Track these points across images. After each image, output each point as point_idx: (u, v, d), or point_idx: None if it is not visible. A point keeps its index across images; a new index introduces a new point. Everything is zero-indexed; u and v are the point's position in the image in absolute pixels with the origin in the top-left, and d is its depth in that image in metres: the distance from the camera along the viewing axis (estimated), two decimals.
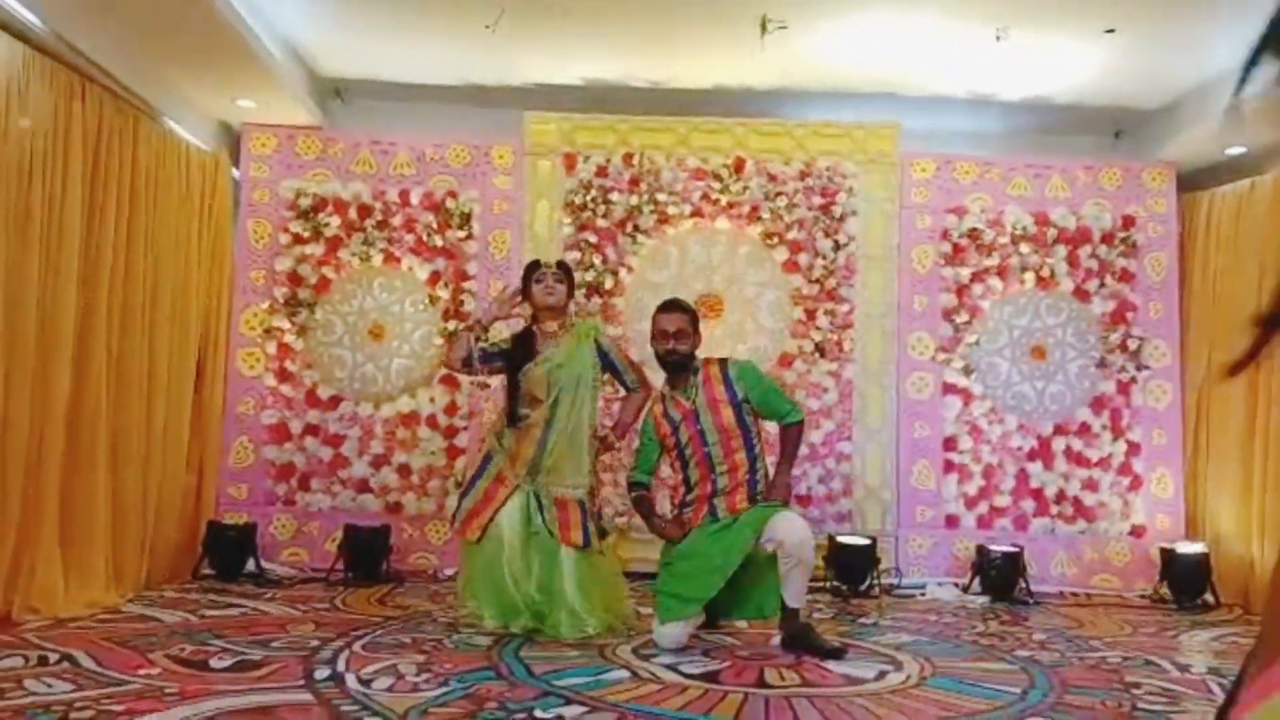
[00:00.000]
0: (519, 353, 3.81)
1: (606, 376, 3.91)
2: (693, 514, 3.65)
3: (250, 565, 4.74)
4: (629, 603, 3.90)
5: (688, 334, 3.67)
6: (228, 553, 4.69)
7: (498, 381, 4.13)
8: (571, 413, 3.72)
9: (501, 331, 4.16)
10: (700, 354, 3.76)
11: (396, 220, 5.15)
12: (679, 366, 3.67)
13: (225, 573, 4.65)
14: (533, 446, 3.71)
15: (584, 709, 2.68)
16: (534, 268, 3.90)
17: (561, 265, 3.96)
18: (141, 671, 2.89)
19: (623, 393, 4.04)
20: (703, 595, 3.50)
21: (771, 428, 4.00)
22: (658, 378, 3.89)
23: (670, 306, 3.76)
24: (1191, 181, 5.40)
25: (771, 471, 3.69)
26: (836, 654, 3.41)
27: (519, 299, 3.87)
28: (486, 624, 3.64)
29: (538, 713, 2.63)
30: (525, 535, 3.66)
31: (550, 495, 3.69)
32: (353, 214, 5.14)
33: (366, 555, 4.78)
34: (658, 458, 3.81)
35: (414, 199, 5.17)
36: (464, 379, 4.98)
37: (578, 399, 3.73)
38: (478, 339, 3.84)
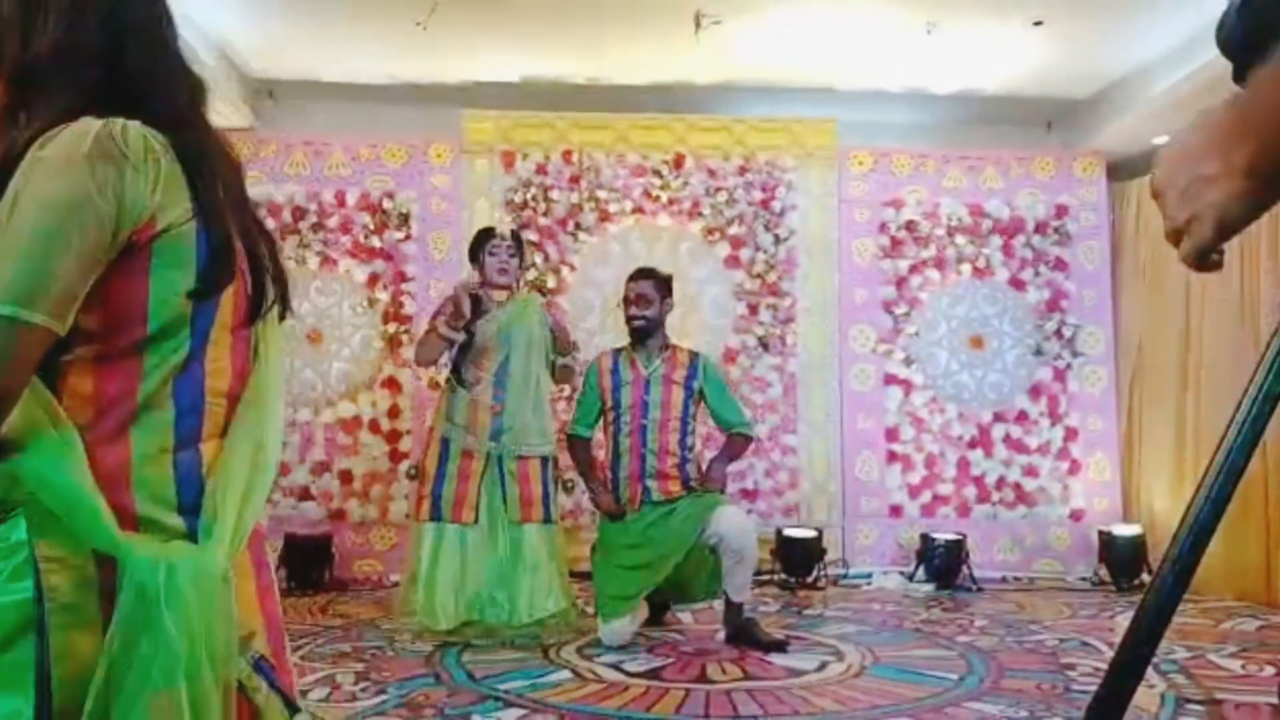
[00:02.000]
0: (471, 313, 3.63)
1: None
2: (629, 494, 3.61)
3: None
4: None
5: (649, 299, 3.68)
6: None
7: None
8: (527, 370, 3.64)
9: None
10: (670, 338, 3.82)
11: (333, 222, 5.07)
12: (644, 333, 3.69)
13: None
14: (486, 412, 3.61)
15: (523, 711, 2.67)
16: (486, 237, 3.76)
17: (515, 236, 3.85)
18: None
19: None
20: (642, 590, 3.50)
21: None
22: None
23: (635, 274, 3.80)
24: (1122, 170, 5.51)
25: (704, 467, 3.71)
26: (779, 646, 3.43)
27: (465, 315, 3.61)
28: (436, 627, 3.46)
29: (476, 717, 2.61)
30: (492, 512, 3.55)
31: (513, 456, 3.58)
32: (287, 216, 5.05)
33: (309, 564, 4.70)
34: (598, 414, 3.77)
35: (350, 200, 5.10)
36: (407, 379, 4.94)
37: (530, 356, 3.66)
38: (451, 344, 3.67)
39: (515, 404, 3.62)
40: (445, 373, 3.89)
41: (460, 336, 3.61)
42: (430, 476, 3.63)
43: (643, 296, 3.68)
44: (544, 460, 3.65)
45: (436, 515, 3.56)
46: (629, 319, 3.71)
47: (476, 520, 3.53)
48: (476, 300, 3.65)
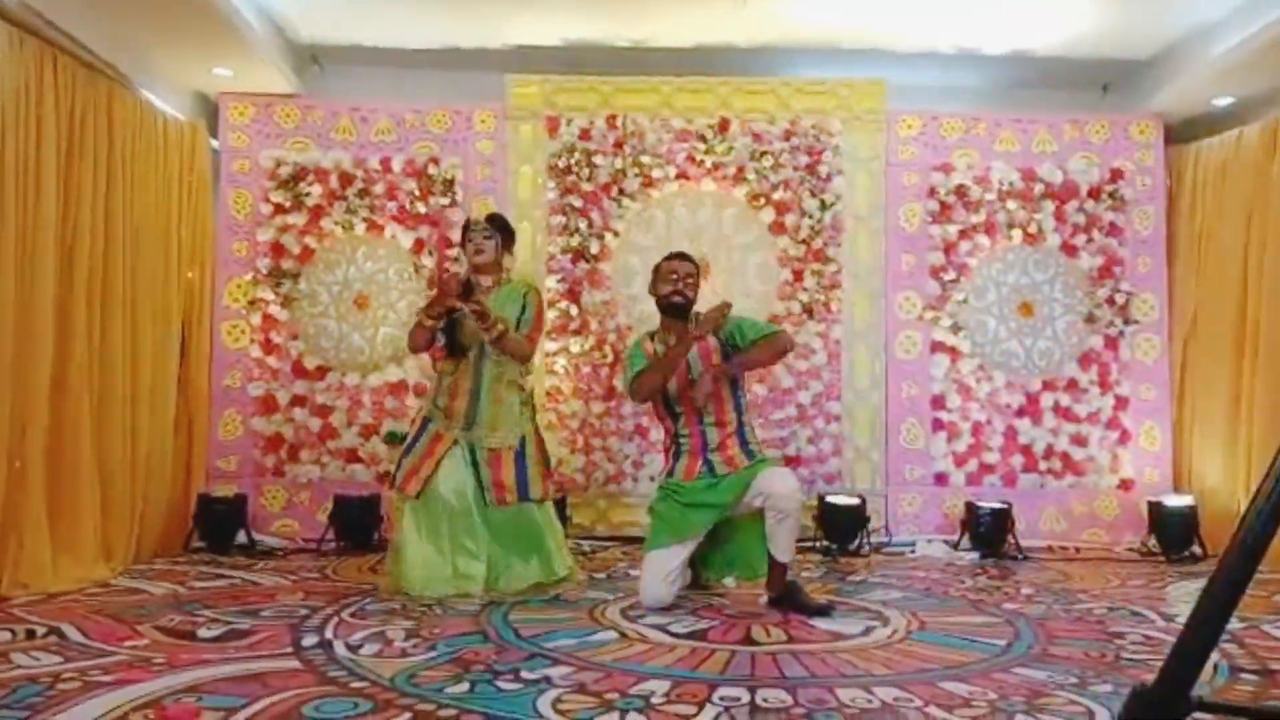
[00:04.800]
0: (461, 295, 3.71)
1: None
2: (687, 467, 3.61)
3: (241, 537, 4.74)
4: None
5: (694, 281, 3.70)
6: (218, 525, 4.70)
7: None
8: (500, 364, 3.73)
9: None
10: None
11: (378, 188, 5.10)
12: (680, 311, 3.66)
13: (216, 545, 4.65)
14: (464, 399, 3.72)
15: (570, 669, 2.70)
16: (465, 228, 3.90)
17: (493, 219, 3.90)
18: (128, 643, 2.90)
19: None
20: (691, 529, 3.53)
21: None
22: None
23: (679, 256, 3.79)
24: (1178, 133, 5.36)
25: (758, 431, 3.72)
26: (823, 611, 3.43)
27: (450, 289, 3.68)
28: (411, 592, 3.60)
29: (524, 674, 2.65)
30: (467, 494, 3.67)
31: (484, 447, 3.69)
32: (334, 182, 5.09)
33: (357, 525, 4.79)
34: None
35: (396, 166, 5.12)
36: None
37: (503, 360, 3.73)
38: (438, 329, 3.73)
39: (491, 395, 3.72)
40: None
41: (433, 324, 3.67)
42: (404, 448, 3.80)
43: (690, 276, 3.68)
44: (518, 449, 3.72)
45: (392, 483, 3.77)
46: (673, 294, 3.65)
47: (419, 496, 3.65)
48: (468, 287, 3.75)
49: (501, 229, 3.87)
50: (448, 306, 3.64)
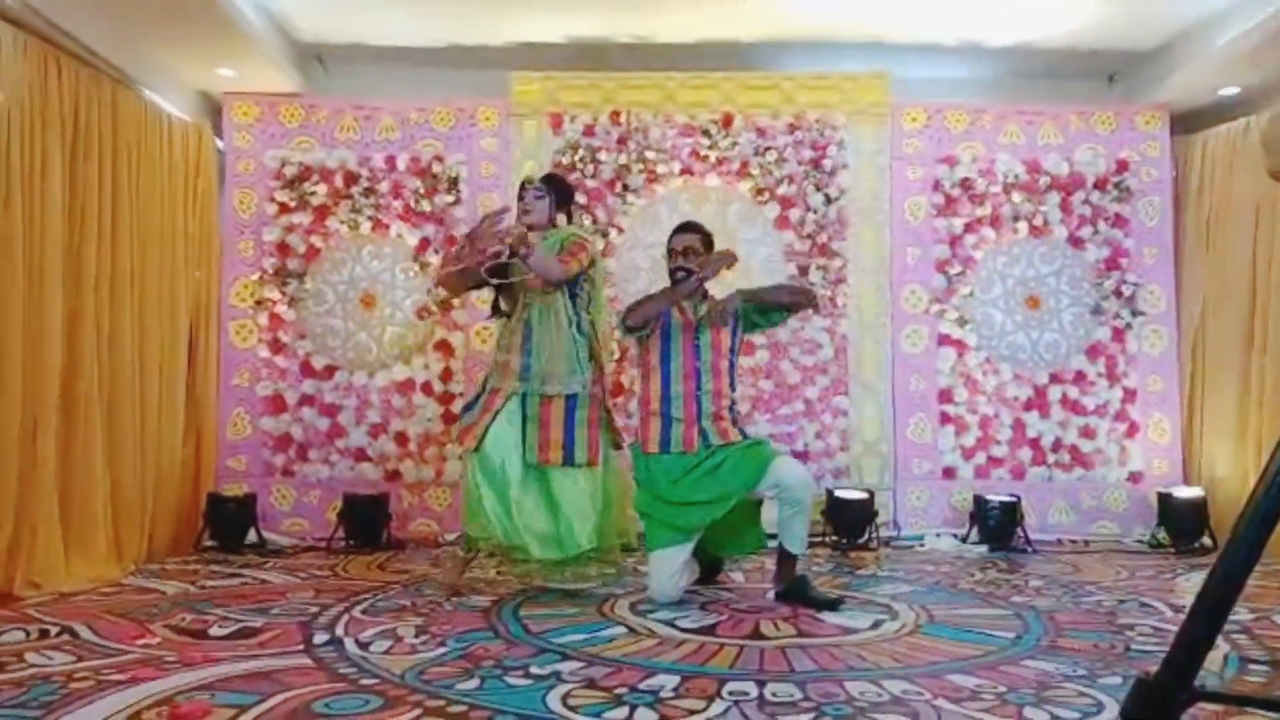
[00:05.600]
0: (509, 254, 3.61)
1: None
2: (684, 437, 3.57)
3: (252, 536, 4.76)
4: (629, 523, 3.83)
5: (696, 251, 3.68)
6: (229, 524, 4.72)
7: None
8: (546, 310, 3.64)
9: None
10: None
11: (383, 186, 5.11)
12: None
13: (227, 544, 4.67)
14: (517, 355, 3.65)
15: (579, 664, 2.71)
16: (521, 187, 3.80)
17: (548, 179, 3.83)
18: (140, 642, 2.91)
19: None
20: (697, 525, 3.50)
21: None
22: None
23: (682, 228, 3.79)
24: (1185, 124, 5.34)
25: (738, 410, 3.75)
26: (833, 605, 3.43)
27: (497, 228, 3.52)
28: (494, 540, 3.53)
29: (534, 669, 2.66)
30: (511, 454, 3.58)
31: (538, 396, 3.59)
32: (339, 181, 5.10)
33: (367, 523, 4.80)
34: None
35: (400, 164, 5.13)
36: (458, 343, 5.02)
37: (549, 301, 3.64)
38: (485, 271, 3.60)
39: (542, 343, 3.63)
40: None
41: (465, 268, 3.56)
42: (464, 406, 3.79)
43: (690, 249, 3.68)
44: (571, 400, 3.60)
45: (457, 438, 3.71)
46: (676, 269, 3.69)
47: (477, 449, 3.57)
48: (523, 242, 3.54)
49: (558, 188, 3.81)
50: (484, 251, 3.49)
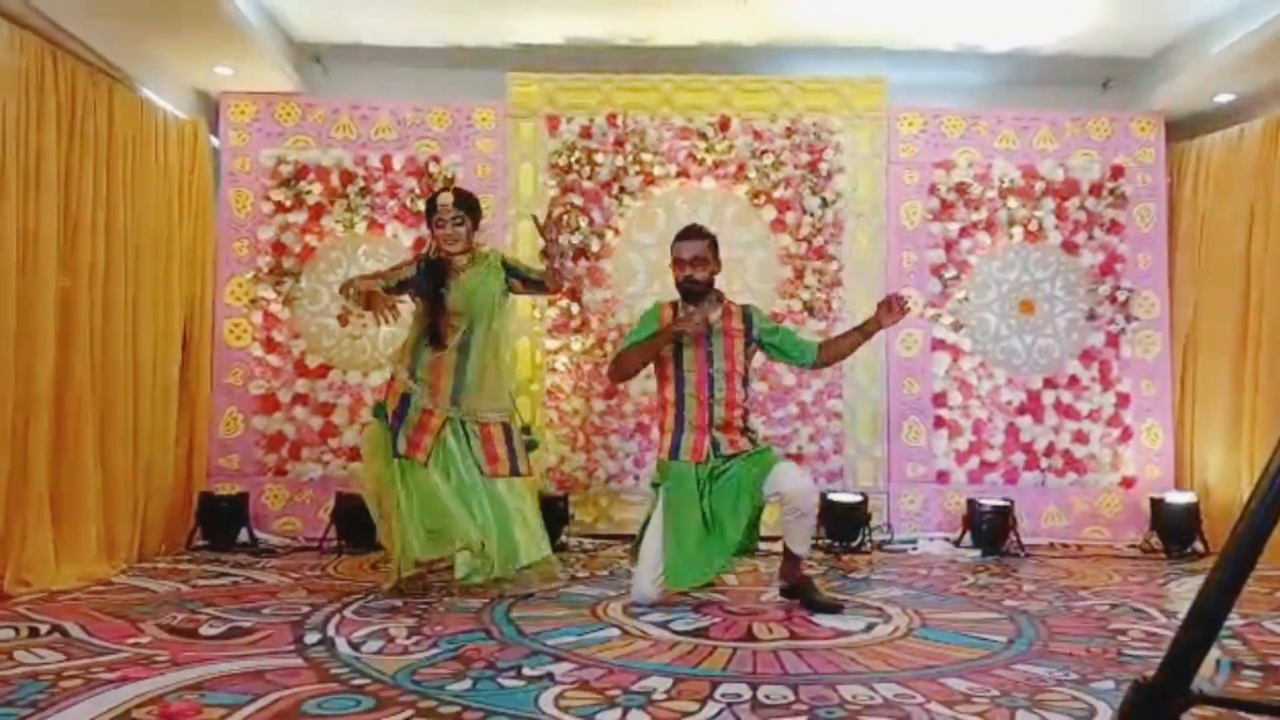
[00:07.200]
0: (435, 277, 3.73)
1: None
2: (694, 445, 3.55)
3: (243, 535, 4.75)
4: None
5: (705, 260, 3.58)
6: (220, 523, 4.70)
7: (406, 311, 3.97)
8: (488, 338, 3.75)
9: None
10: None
11: (379, 186, 5.10)
12: (697, 296, 3.58)
13: (218, 543, 4.66)
14: (449, 375, 3.71)
15: (572, 665, 2.70)
16: (433, 207, 3.79)
17: (461, 202, 3.78)
18: (130, 640, 2.90)
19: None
20: (716, 569, 3.55)
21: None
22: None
23: (687, 233, 3.65)
24: (1180, 130, 5.36)
25: (756, 426, 3.74)
26: (834, 609, 3.43)
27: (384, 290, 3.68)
28: (415, 556, 3.57)
29: (526, 670, 2.65)
30: (466, 468, 3.68)
31: (475, 421, 3.72)
32: (335, 181, 5.09)
33: (359, 523, 4.75)
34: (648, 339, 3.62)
35: (396, 164, 5.12)
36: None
37: (493, 324, 3.76)
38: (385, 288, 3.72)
39: (476, 372, 3.72)
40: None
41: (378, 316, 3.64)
42: (393, 418, 3.73)
43: (699, 258, 3.56)
44: (504, 425, 3.77)
45: (395, 452, 3.67)
46: (685, 280, 3.57)
47: (426, 463, 3.64)
48: (442, 265, 3.74)
49: (470, 210, 3.83)
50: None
